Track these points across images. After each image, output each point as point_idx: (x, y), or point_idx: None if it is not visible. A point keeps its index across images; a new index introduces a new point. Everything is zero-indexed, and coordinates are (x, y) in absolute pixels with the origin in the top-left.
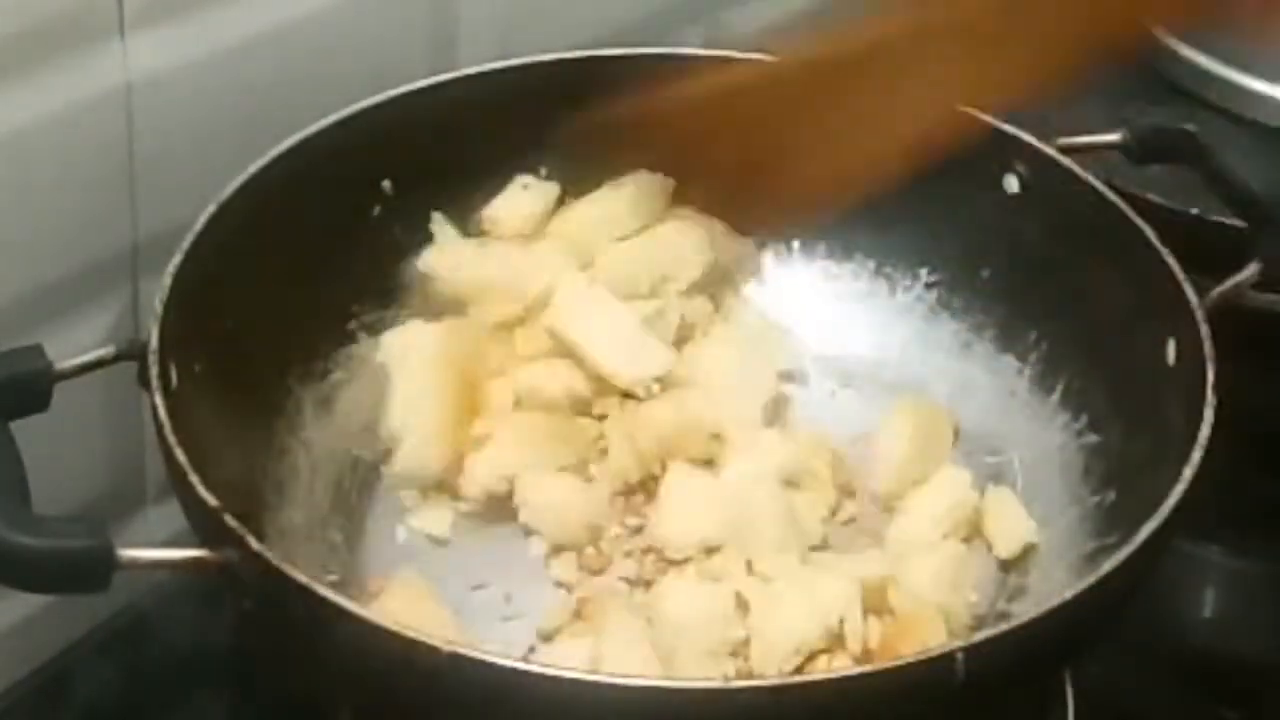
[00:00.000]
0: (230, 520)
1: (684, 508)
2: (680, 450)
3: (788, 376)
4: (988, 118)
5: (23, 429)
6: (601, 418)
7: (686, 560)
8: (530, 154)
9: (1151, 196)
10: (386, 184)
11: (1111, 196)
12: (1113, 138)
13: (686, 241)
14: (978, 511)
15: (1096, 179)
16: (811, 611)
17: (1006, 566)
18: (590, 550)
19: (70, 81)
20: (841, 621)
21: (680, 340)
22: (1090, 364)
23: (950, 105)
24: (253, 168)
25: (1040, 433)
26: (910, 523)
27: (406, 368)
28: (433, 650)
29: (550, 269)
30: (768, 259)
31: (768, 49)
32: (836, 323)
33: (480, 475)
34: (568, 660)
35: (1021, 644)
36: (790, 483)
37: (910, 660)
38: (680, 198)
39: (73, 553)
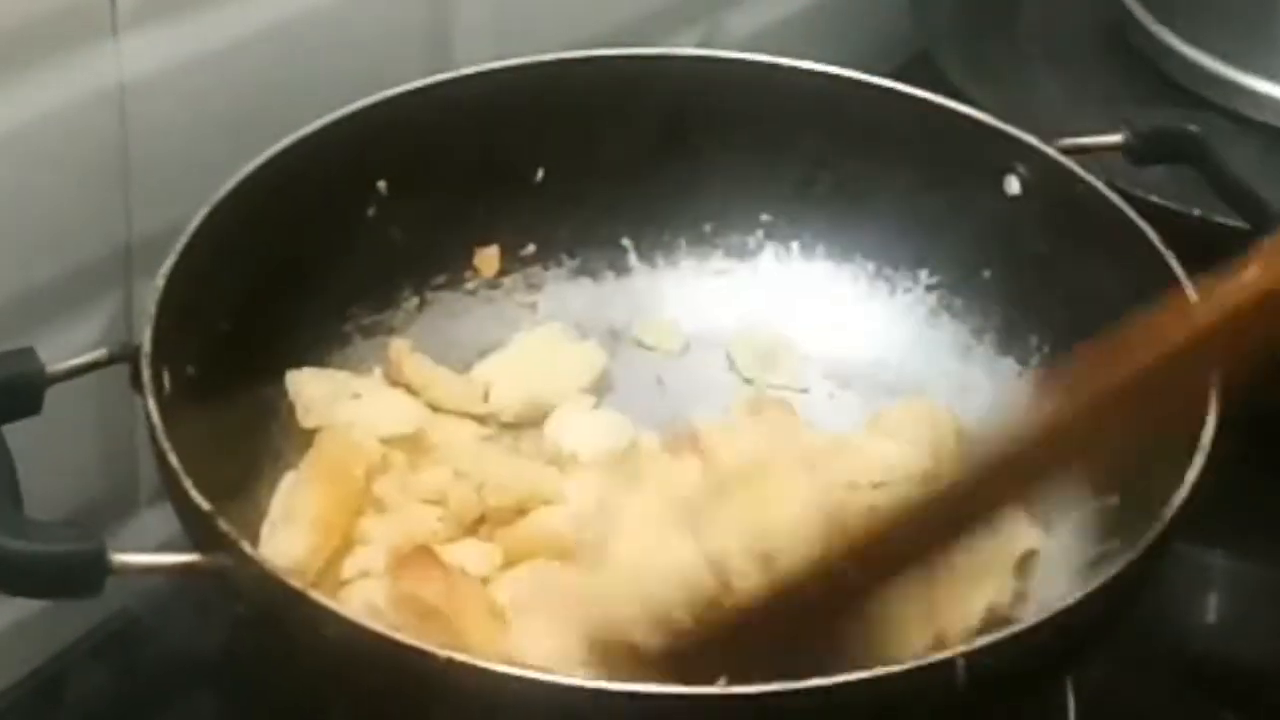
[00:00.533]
0: (223, 525)
1: None
2: None
3: (788, 380)
4: (987, 117)
5: (15, 432)
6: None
7: None
8: (526, 155)
9: (1153, 197)
10: (381, 184)
11: (1112, 197)
12: (1114, 138)
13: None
14: None
15: (1097, 180)
16: None
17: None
18: None
19: (63, 81)
20: None
21: None
22: None
23: None
24: (247, 168)
25: None
26: None
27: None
28: (429, 656)
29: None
30: (766, 259)
31: None
32: (836, 324)
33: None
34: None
35: (1024, 649)
36: None
37: (912, 665)
38: None
39: (65, 557)
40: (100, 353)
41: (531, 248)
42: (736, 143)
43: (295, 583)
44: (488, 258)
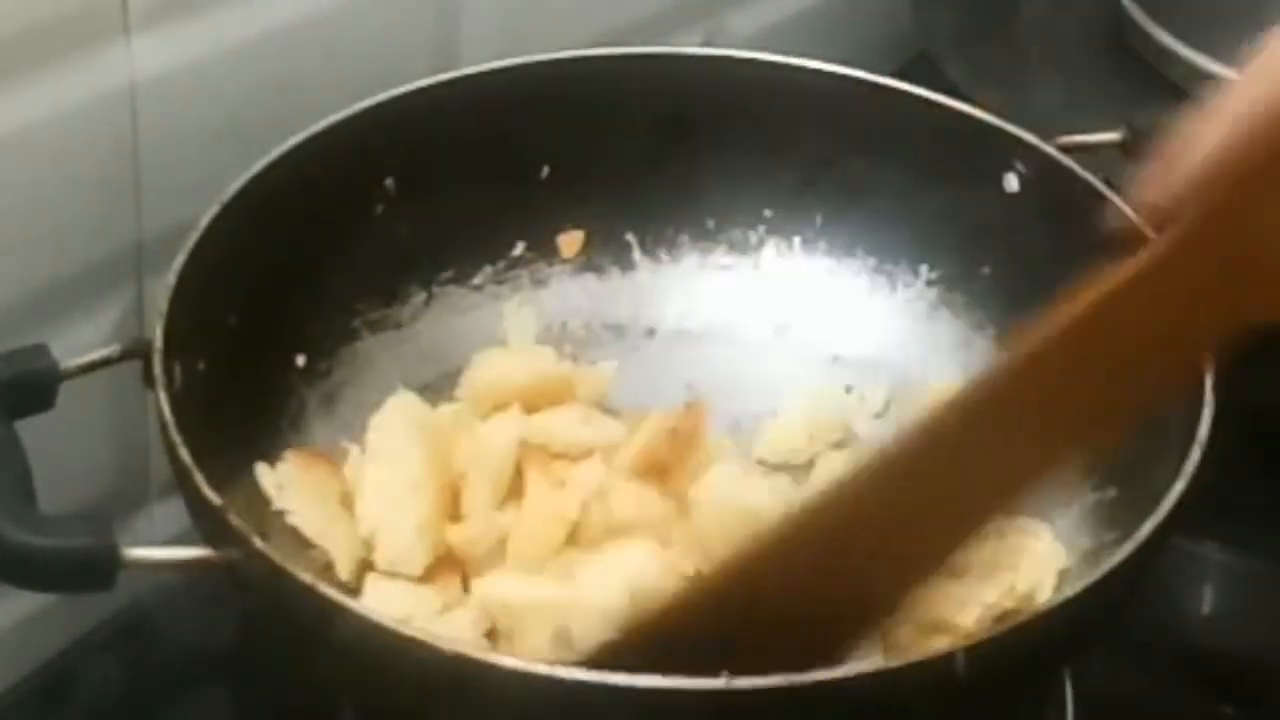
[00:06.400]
0: (234, 519)
1: None
2: None
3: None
4: (987, 116)
5: (28, 428)
6: None
7: None
8: (531, 153)
9: None
10: (389, 182)
11: (1110, 195)
12: (1113, 137)
13: None
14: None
15: (1096, 178)
16: None
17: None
18: None
19: (75, 81)
20: None
21: None
22: None
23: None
24: (256, 166)
25: None
26: None
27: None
28: (436, 651)
29: None
30: (769, 255)
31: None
32: (837, 320)
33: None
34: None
35: (1022, 643)
36: None
37: (911, 660)
38: None
39: (77, 552)
40: (112, 349)
41: (537, 244)
42: (739, 140)
43: (305, 577)
44: (572, 240)
